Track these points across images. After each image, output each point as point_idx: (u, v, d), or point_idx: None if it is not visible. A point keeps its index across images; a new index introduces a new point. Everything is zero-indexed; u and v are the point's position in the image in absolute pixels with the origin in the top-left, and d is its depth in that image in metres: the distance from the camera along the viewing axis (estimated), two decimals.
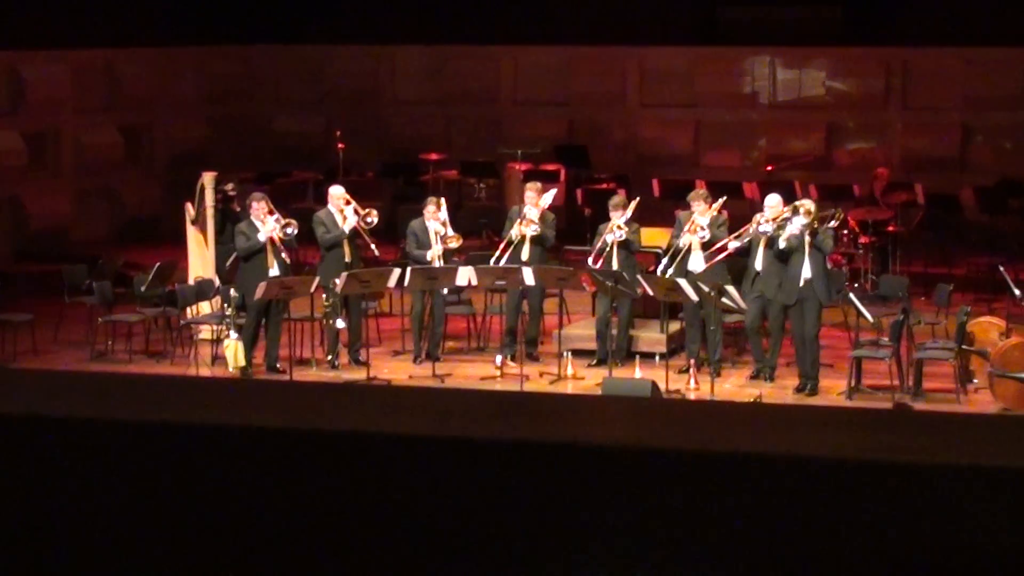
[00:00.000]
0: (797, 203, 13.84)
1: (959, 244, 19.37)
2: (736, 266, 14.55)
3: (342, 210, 14.94)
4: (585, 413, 3.84)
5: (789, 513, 3.20)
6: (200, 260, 16.24)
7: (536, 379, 14.48)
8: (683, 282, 13.82)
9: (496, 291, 15.54)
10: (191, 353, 14.98)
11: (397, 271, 14.46)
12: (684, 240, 14.40)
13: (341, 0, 24.24)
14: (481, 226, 20.00)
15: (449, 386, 13.97)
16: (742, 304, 13.87)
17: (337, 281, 14.19)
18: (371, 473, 3.40)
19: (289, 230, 14.62)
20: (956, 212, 19.53)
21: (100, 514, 3.53)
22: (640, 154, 23.05)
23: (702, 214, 14.46)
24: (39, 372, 9.90)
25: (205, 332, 15.47)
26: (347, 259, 14.82)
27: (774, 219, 13.91)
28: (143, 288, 15.63)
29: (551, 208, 15.49)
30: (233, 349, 14.36)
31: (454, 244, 15.08)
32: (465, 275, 14.65)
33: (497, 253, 15.04)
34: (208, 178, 16.35)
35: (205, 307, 15.76)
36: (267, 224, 14.56)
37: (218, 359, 14.88)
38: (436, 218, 15.04)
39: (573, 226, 19.34)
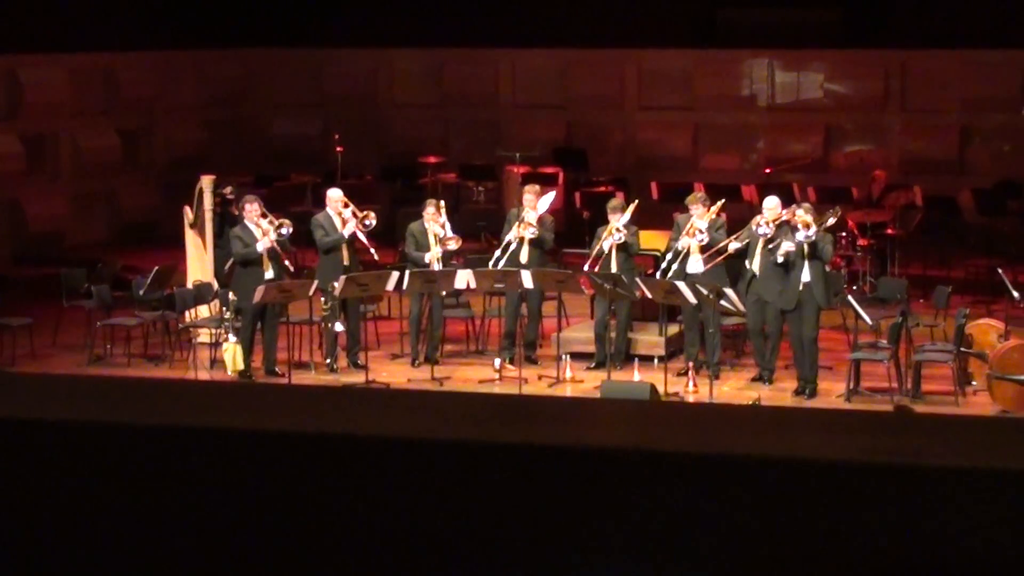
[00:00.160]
0: (796, 215, 13.79)
1: (958, 246, 19.38)
2: (734, 268, 14.55)
3: (340, 213, 14.94)
4: (584, 416, 3.84)
5: (788, 516, 3.20)
6: (199, 264, 16.24)
7: (535, 382, 14.48)
8: (682, 285, 13.82)
9: (495, 294, 15.54)
10: (190, 357, 14.98)
11: (396, 274, 14.46)
12: (682, 244, 14.40)
13: (339, 3, 24.24)
14: (480, 229, 20.01)
15: (448, 389, 13.98)
16: (740, 307, 13.87)
17: (336, 284, 14.19)
18: (370, 476, 3.40)
19: (283, 230, 14.63)
20: (955, 214, 19.53)
21: (99, 518, 3.52)
22: (639, 157, 23.06)
23: (700, 217, 14.46)
24: (37, 376, 9.90)
25: (204, 336, 15.48)
26: (345, 262, 14.82)
27: (772, 221, 13.91)
28: (141, 292, 15.63)
29: (550, 211, 15.50)
30: (232, 353, 14.36)
31: (453, 246, 15.09)
32: (464, 278, 14.65)
33: (496, 255, 15.03)
34: (206, 181, 16.36)
35: (204, 311, 15.76)
36: (264, 238, 14.51)
37: (216, 363, 14.88)
38: (435, 220, 15.04)
39: (572, 229, 19.34)
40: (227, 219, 16.60)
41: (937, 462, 3.21)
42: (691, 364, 14.26)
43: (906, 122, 22.39)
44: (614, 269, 14.43)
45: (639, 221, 15.11)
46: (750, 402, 13.32)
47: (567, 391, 14.29)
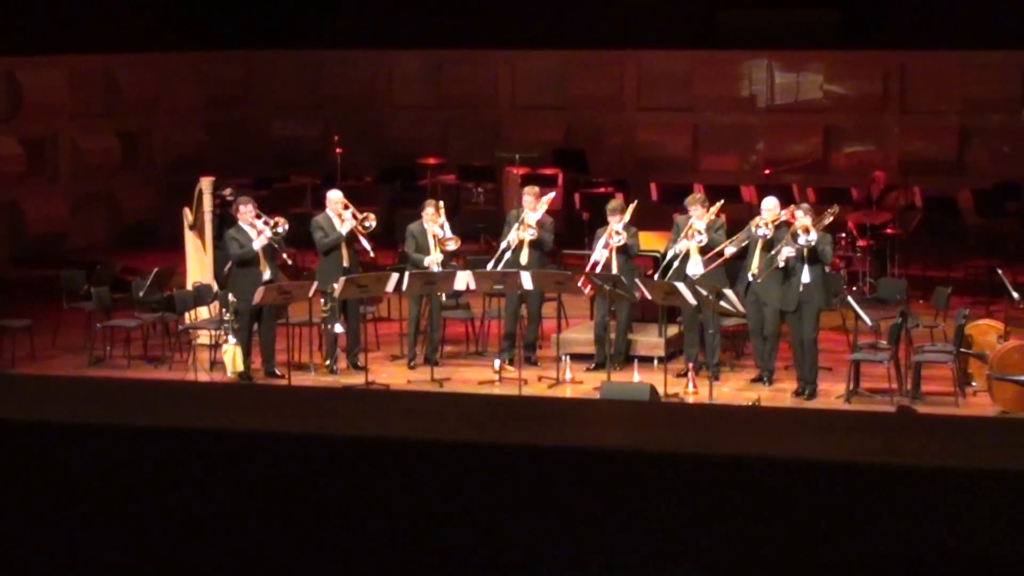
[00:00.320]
0: (795, 217, 13.79)
1: (957, 247, 19.38)
2: (733, 269, 14.55)
3: (340, 214, 14.94)
4: (584, 417, 3.84)
5: (788, 517, 3.20)
6: (198, 265, 16.24)
7: (535, 383, 14.48)
8: (681, 286, 13.82)
9: (494, 295, 15.54)
10: (189, 358, 14.97)
11: (395, 275, 14.46)
12: (682, 245, 14.40)
13: (339, 5, 24.24)
14: (479, 230, 20.01)
15: (447, 390, 13.98)
16: (740, 308, 13.87)
17: (335, 286, 14.19)
18: (370, 477, 3.40)
19: (279, 229, 14.64)
20: (954, 215, 19.52)
21: (99, 520, 3.52)
22: (638, 158, 23.06)
23: (699, 218, 14.46)
24: (37, 378, 9.89)
25: (203, 337, 15.48)
26: (345, 263, 14.81)
27: (771, 222, 13.91)
28: (141, 293, 15.63)
29: (549, 212, 15.49)
30: (231, 354, 14.36)
31: (452, 246, 15.09)
32: (463, 279, 14.66)
33: (495, 258, 15.04)
34: (206, 183, 16.35)
35: (203, 312, 15.76)
36: (260, 236, 14.53)
37: (216, 364, 14.88)
38: (434, 221, 15.04)
39: (571, 230, 19.34)
40: (227, 221, 16.59)
41: (937, 463, 3.21)
42: (691, 365, 14.25)
43: (905, 123, 22.39)
44: (614, 271, 14.43)
45: (639, 222, 15.11)
46: (750, 403, 13.32)
47: (567, 392, 14.29)
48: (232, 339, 14.40)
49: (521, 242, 14.91)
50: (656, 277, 14.52)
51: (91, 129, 22.13)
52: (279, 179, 22.41)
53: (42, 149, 21.60)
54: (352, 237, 14.89)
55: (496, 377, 14.60)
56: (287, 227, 14.75)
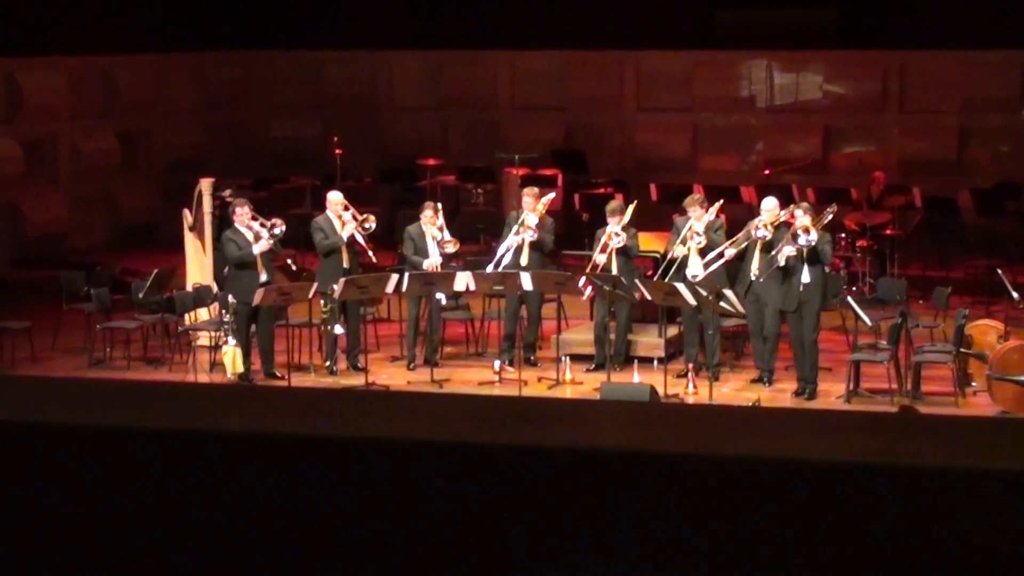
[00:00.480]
0: (795, 217, 13.80)
1: (957, 247, 19.37)
2: (733, 270, 14.55)
3: (340, 216, 14.95)
4: (583, 418, 3.84)
5: (788, 517, 3.20)
6: (198, 266, 16.24)
7: (535, 384, 14.48)
8: (681, 286, 13.82)
9: (494, 296, 15.54)
10: (189, 360, 14.97)
11: (395, 277, 14.45)
12: (680, 251, 14.39)
13: (338, 6, 24.24)
14: (479, 231, 20.01)
15: (447, 391, 13.98)
16: (740, 308, 13.87)
17: (335, 287, 14.19)
18: (369, 478, 3.40)
19: (276, 231, 14.65)
20: (954, 215, 19.52)
21: (99, 521, 3.52)
22: (638, 158, 23.06)
23: (698, 219, 14.47)
24: (37, 379, 9.90)
25: (203, 338, 15.48)
26: (345, 265, 14.82)
27: (771, 223, 13.92)
28: (141, 295, 15.63)
29: (548, 212, 15.49)
30: (231, 355, 14.36)
31: (451, 249, 15.08)
32: (463, 280, 14.65)
33: (496, 258, 15.04)
34: (206, 184, 16.36)
35: (203, 313, 15.76)
36: (260, 241, 14.54)
37: (216, 365, 14.88)
38: (433, 223, 15.04)
39: (571, 231, 19.34)
40: (226, 222, 16.60)
41: (937, 463, 3.21)
42: (691, 366, 14.25)
43: (905, 123, 22.39)
44: (614, 272, 14.43)
45: (638, 223, 15.11)
46: (750, 403, 13.32)
47: (567, 393, 14.29)
48: (232, 340, 14.40)
49: (521, 243, 14.91)
50: (656, 278, 14.51)
51: (91, 130, 22.13)
52: (279, 180, 22.41)
53: (42, 150, 21.60)
54: (352, 238, 14.89)
55: (496, 378, 14.60)
56: (284, 228, 14.76)
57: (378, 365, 15.16)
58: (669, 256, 14.48)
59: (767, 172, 21.28)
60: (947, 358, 13.81)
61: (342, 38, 23.92)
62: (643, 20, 22.96)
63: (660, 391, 13.13)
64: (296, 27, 24.11)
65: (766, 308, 13.98)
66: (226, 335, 14.47)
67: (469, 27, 23.46)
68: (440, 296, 15.05)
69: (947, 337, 14.52)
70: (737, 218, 15.92)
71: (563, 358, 14.62)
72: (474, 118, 23.80)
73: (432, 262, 14.89)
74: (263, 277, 14.52)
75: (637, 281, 14.31)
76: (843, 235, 17.57)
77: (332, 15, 24.14)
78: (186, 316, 15.62)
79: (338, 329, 14.73)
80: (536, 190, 15.53)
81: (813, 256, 13.68)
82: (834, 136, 22.63)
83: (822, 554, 3.18)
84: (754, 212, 15.63)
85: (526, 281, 14.48)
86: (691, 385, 14.03)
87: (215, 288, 15.67)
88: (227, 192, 17.38)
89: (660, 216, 18.05)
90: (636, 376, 14.12)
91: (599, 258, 14.53)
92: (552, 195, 16.10)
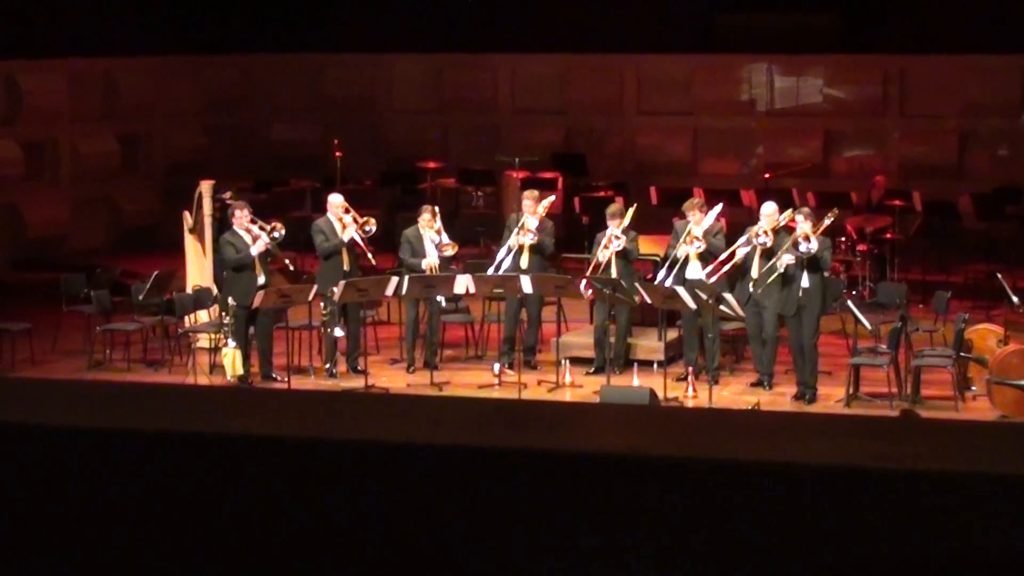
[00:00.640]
0: (796, 222, 13.80)
1: (957, 251, 19.38)
2: (732, 274, 14.53)
3: (341, 218, 14.95)
4: (583, 421, 3.84)
5: (788, 521, 3.20)
6: (198, 269, 16.24)
7: (534, 387, 14.48)
8: (681, 290, 13.82)
9: (494, 299, 15.54)
10: (189, 362, 14.97)
11: (395, 279, 14.46)
12: (681, 252, 14.39)
13: (339, 9, 24.25)
14: (479, 234, 20.01)
15: (447, 394, 13.97)
16: (740, 312, 13.87)
17: (335, 289, 14.20)
18: (369, 481, 3.40)
19: (276, 234, 14.66)
20: (954, 219, 19.53)
21: (99, 523, 3.52)
22: (638, 162, 23.06)
23: (698, 223, 14.47)
24: (37, 381, 9.89)
25: (203, 341, 15.47)
26: (345, 267, 14.82)
27: (771, 229, 13.92)
28: (141, 297, 15.63)
29: (548, 215, 15.49)
30: (231, 358, 14.36)
31: (450, 252, 15.08)
32: (463, 283, 14.66)
33: (497, 261, 15.04)
34: (206, 187, 16.36)
35: (203, 316, 15.76)
36: (258, 242, 14.56)
37: (216, 368, 14.88)
38: (431, 226, 15.04)
39: (571, 234, 19.33)
40: (226, 224, 16.60)
41: (937, 467, 3.21)
42: (690, 369, 14.26)
43: (905, 127, 22.39)
44: (614, 275, 14.43)
45: (638, 226, 15.11)
46: (749, 407, 13.32)
47: (566, 396, 14.30)
48: (232, 342, 14.41)
49: (521, 246, 14.91)
50: (656, 283, 14.51)
51: (91, 132, 22.13)
52: (279, 183, 22.41)
53: (42, 152, 21.60)
54: (352, 241, 14.90)
55: (496, 381, 14.60)
56: (283, 232, 14.77)
57: (378, 368, 15.16)
58: (669, 261, 14.48)
59: (767, 176, 21.27)
60: (947, 362, 13.81)
61: (342, 41, 23.93)
62: (643, 24, 22.97)
63: (660, 394, 13.14)
64: (296, 30, 24.12)
65: (765, 312, 13.98)
66: (226, 337, 14.48)
67: (469, 30, 23.47)
68: (440, 298, 15.06)
69: (947, 341, 14.53)
70: (737, 222, 15.92)
71: (563, 361, 14.63)
72: (474, 121, 23.81)
73: (430, 261, 14.89)
74: (261, 280, 14.52)
75: (637, 284, 14.32)
76: (843, 239, 17.57)
77: (332, 18, 24.14)
78: (186, 318, 15.62)
79: (338, 332, 14.73)
80: (536, 193, 15.54)
81: (813, 262, 13.69)
82: (834, 140, 22.64)
83: (822, 558, 3.18)
84: (754, 215, 15.63)
85: (526, 284, 14.49)
86: (691, 388, 14.04)
87: (215, 290, 15.68)
88: (227, 194, 17.38)
89: (660, 219, 18.05)
90: (636, 379, 14.13)
91: (602, 254, 14.52)
92: (552, 198, 16.09)
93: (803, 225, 13.68)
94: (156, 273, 15.86)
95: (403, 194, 22.30)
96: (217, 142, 23.95)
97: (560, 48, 23.22)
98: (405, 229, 15.38)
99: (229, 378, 14.39)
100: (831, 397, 13.97)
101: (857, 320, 13.93)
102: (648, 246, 15.50)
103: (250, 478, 3.46)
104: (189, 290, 15.92)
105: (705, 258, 14.35)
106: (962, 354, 13.83)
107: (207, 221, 16.18)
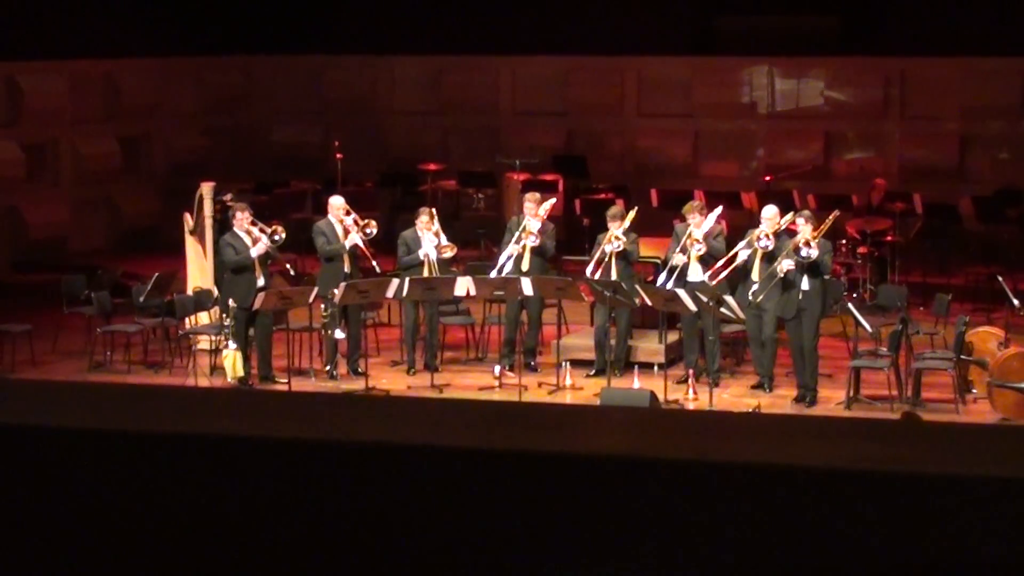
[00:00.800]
0: (797, 225, 13.81)
1: (957, 254, 19.38)
2: (733, 277, 14.53)
3: (342, 221, 14.95)
4: (584, 423, 3.84)
5: (788, 523, 3.20)
6: (199, 270, 16.24)
7: (535, 389, 14.48)
8: (681, 292, 13.82)
9: (495, 301, 15.53)
10: (190, 364, 14.97)
11: (396, 281, 14.45)
12: (678, 259, 14.38)
13: (339, 10, 24.25)
14: (479, 236, 20.01)
15: (448, 396, 13.97)
16: (740, 314, 13.87)
17: (336, 291, 14.20)
18: (370, 483, 3.40)
19: (276, 237, 14.66)
20: (954, 222, 19.53)
21: (99, 525, 3.52)
22: (639, 164, 23.06)
23: (698, 226, 14.47)
24: (37, 383, 9.89)
25: (204, 342, 15.47)
26: (346, 269, 14.82)
27: (772, 233, 13.92)
28: (142, 298, 15.63)
29: (549, 218, 15.49)
30: (232, 359, 14.36)
31: (448, 254, 15.07)
32: (463, 285, 14.66)
33: (499, 264, 15.03)
34: (207, 188, 16.36)
35: (204, 317, 15.76)
36: (258, 243, 14.57)
37: (216, 369, 14.88)
38: (429, 228, 15.03)
39: (571, 236, 19.34)
40: (227, 226, 16.60)
41: (937, 470, 3.21)
42: (691, 371, 14.25)
43: (906, 129, 22.39)
44: (614, 277, 14.43)
45: (639, 228, 15.11)
46: (750, 409, 13.32)
47: (567, 398, 14.29)
48: (232, 344, 14.41)
49: (523, 249, 14.91)
50: (658, 285, 14.51)
51: (92, 134, 22.13)
52: (279, 184, 22.41)
53: (43, 154, 21.60)
54: (354, 245, 14.90)
55: (496, 383, 14.60)
56: (284, 236, 14.76)
57: (378, 370, 15.15)
58: (669, 264, 14.48)
59: (768, 178, 21.28)
60: (947, 365, 13.81)
61: (343, 43, 23.93)
62: (644, 26, 22.98)
63: (660, 397, 13.13)
64: (297, 32, 24.12)
65: (765, 314, 13.98)
66: (226, 339, 14.48)
67: (470, 32, 23.47)
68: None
69: (947, 344, 14.53)
70: (738, 224, 15.91)
71: (563, 363, 14.62)
72: (475, 123, 23.80)
73: (426, 250, 14.85)
74: (260, 282, 14.52)
75: (637, 287, 14.32)
76: (844, 241, 17.56)
77: (333, 20, 24.15)
78: (186, 320, 15.62)
79: (339, 333, 14.73)
80: (538, 195, 15.53)
81: (813, 266, 13.69)
82: (835, 142, 22.64)
83: (822, 561, 3.18)
84: (755, 218, 15.63)
85: (527, 286, 14.48)
86: (691, 391, 14.03)
87: (216, 292, 15.68)
88: (228, 196, 17.37)
89: (661, 222, 18.05)
90: (636, 382, 14.12)
91: (605, 248, 14.52)
92: (553, 200, 16.09)
93: (804, 229, 13.68)
94: (157, 275, 15.85)
95: (404, 196, 22.30)
96: (218, 144, 23.95)
97: (561, 50, 23.22)
98: (403, 232, 15.37)
99: (229, 380, 14.39)
100: (831, 400, 13.96)
101: (858, 323, 13.93)
102: (648, 248, 15.50)
103: (250, 480, 3.46)
104: (190, 292, 15.92)
105: (706, 261, 14.35)
106: (963, 357, 13.82)
107: (208, 223, 16.18)
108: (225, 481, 3.48)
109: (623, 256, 14.58)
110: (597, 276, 14.50)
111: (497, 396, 14.23)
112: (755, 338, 14.23)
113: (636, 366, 14.62)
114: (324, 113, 24.26)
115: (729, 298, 13.74)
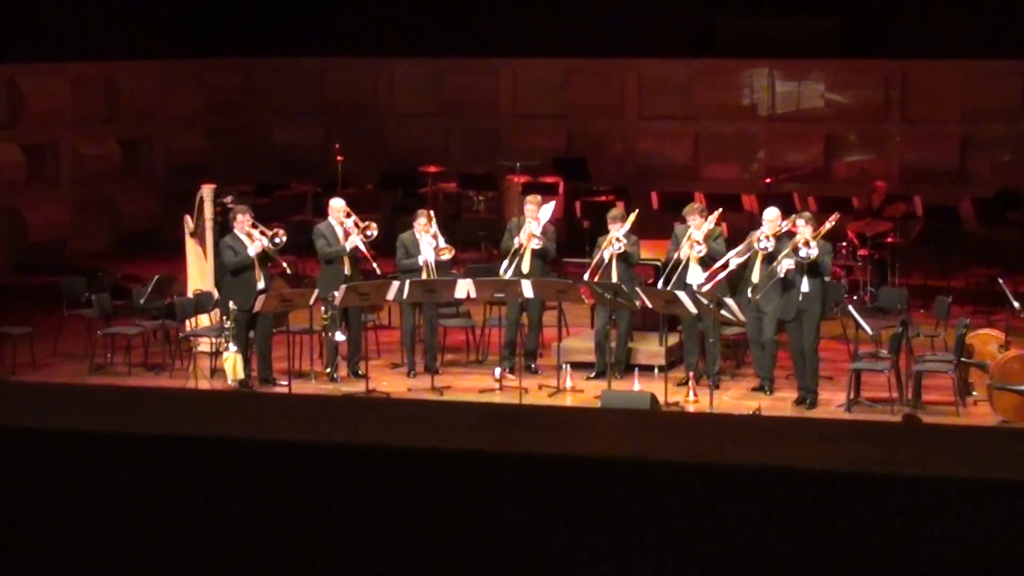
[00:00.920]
0: (796, 226, 13.82)
1: (958, 256, 19.37)
2: (733, 279, 14.54)
3: (343, 223, 14.95)
4: (584, 426, 3.83)
5: (789, 526, 3.20)
6: (199, 272, 16.24)
7: (535, 392, 14.48)
8: (682, 294, 13.81)
9: (495, 303, 15.53)
10: (190, 366, 14.97)
11: (396, 284, 14.45)
12: (681, 255, 14.38)
13: (340, 12, 24.26)
14: (480, 238, 20.01)
15: (448, 398, 13.97)
16: (741, 316, 13.87)
17: (336, 294, 14.19)
18: (370, 485, 3.40)
19: (277, 240, 14.66)
20: (955, 224, 19.53)
21: (100, 527, 3.52)
22: (639, 166, 23.07)
23: (698, 228, 14.47)
24: (38, 385, 9.89)
25: (204, 345, 15.48)
26: (347, 272, 14.82)
27: (773, 235, 13.92)
28: (142, 301, 15.63)
29: (551, 220, 15.50)
30: (232, 362, 14.36)
31: (447, 256, 15.07)
32: (464, 288, 14.66)
33: (503, 265, 15.03)
34: (207, 190, 16.36)
35: (204, 320, 15.76)
36: (255, 242, 14.58)
37: (217, 372, 14.88)
38: (427, 231, 15.03)
39: (572, 238, 19.34)
40: (228, 228, 16.60)
41: (938, 472, 3.21)
42: (691, 374, 14.25)
43: (906, 132, 22.40)
44: (614, 279, 14.43)
45: (639, 230, 15.11)
46: (750, 412, 13.32)
47: (567, 401, 14.29)
48: (233, 346, 14.41)
49: (524, 250, 14.91)
50: (659, 287, 14.51)
51: (92, 136, 22.14)
52: (280, 186, 22.42)
53: (44, 156, 21.61)
54: (355, 247, 14.90)
55: (497, 385, 14.60)
56: (285, 239, 14.76)
57: (379, 372, 15.15)
58: (669, 266, 14.48)
59: (768, 180, 21.28)
60: (948, 367, 13.80)
61: (344, 45, 23.94)
62: (645, 28, 22.99)
63: (661, 399, 13.12)
64: (298, 34, 24.13)
65: (765, 316, 13.98)
66: (227, 341, 14.48)
67: (471, 34, 23.49)
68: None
69: (948, 346, 14.53)
70: (739, 226, 15.91)
71: (564, 366, 14.62)
72: (475, 125, 23.81)
73: (425, 256, 14.87)
74: (260, 284, 14.52)
75: (638, 289, 14.32)
76: (844, 244, 17.56)
77: (334, 22, 24.16)
78: (187, 322, 15.62)
79: (339, 336, 14.73)
80: (539, 198, 15.54)
81: (813, 267, 13.69)
82: (836, 145, 22.65)
83: (823, 563, 3.18)
84: (756, 220, 15.64)
85: (527, 288, 14.48)
86: (692, 393, 14.03)
87: (216, 294, 15.68)
88: (228, 198, 17.38)
89: (661, 224, 18.05)
90: (637, 384, 14.12)
91: (604, 254, 14.53)
92: (553, 203, 16.09)
93: (804, 230, 13.68)
94: (157, 277, 15.85)
95: (404, 198, 22.30)
96: (218, 146, 23.97)
97: (561, 52, 23.23)
98: (401, 234, 15.36)
99: (230, 382, 14.39)
100: (832, 402, 13.96)
101: (858, 325, 13.92)
102: (649, 251, 15.50)
103: (250, 482, 3.46)
104: (190, 294, 15.92)
105: (706, 262, 14.35)
106: (963, 359, 13.82)
107: (208, 225, 16.18)
108: (225, 483, 3.47)
109: (624, 258, 14.58)
110: (597, 278, 14.50)
111: (497, 398, 14.23)
112: (755, 340, 14.23)
113: (636, 368, 14.62)
114: (324, 115, 24.27)
115: (729, 300, 13.74)
